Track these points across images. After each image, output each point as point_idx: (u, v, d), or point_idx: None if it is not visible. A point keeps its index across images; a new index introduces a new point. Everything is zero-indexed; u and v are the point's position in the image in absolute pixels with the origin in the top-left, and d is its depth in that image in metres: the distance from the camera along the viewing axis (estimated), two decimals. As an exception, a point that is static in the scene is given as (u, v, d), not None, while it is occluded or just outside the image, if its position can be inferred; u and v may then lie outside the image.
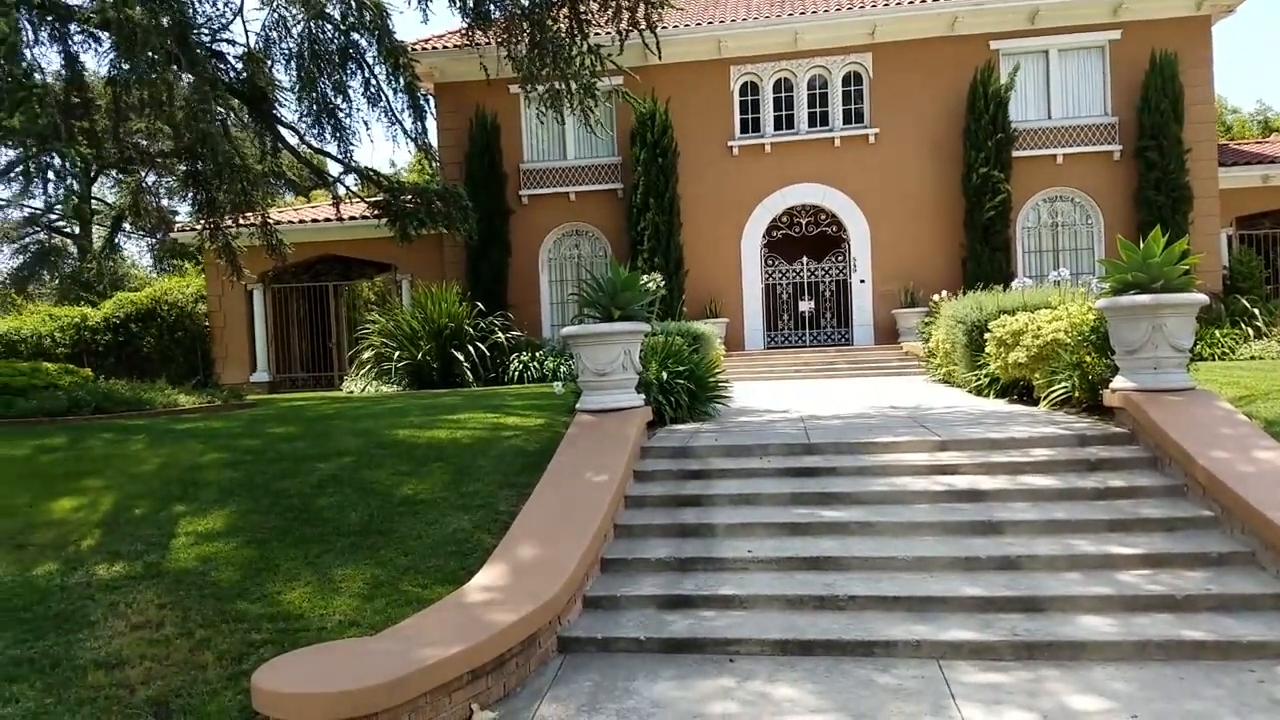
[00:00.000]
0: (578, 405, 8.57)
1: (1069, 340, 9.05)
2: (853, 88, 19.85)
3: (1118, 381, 7.92)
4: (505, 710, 4.63)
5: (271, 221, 15.80)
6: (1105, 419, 8.15)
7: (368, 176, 14.93)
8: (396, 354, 15.91)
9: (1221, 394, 7.94)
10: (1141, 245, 8.04)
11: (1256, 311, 16.53)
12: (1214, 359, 13.44)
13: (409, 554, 5.95)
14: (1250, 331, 15.43)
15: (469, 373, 15.70)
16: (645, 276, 9.82)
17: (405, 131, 14.15)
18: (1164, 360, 7.65)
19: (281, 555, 5.98)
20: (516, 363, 16.33)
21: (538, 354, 16.75)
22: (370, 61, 13.81)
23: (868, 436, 7.97)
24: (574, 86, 12.89)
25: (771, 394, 13.29)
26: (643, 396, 8.73)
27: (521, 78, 13.21)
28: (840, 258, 19.99)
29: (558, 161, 20.50)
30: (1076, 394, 8.75)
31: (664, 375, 9.33)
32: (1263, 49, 56.95)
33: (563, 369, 16.15)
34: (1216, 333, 14.71)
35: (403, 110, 13.74)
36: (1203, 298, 7.66)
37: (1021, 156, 18.92)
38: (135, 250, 41.04)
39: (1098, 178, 19.01)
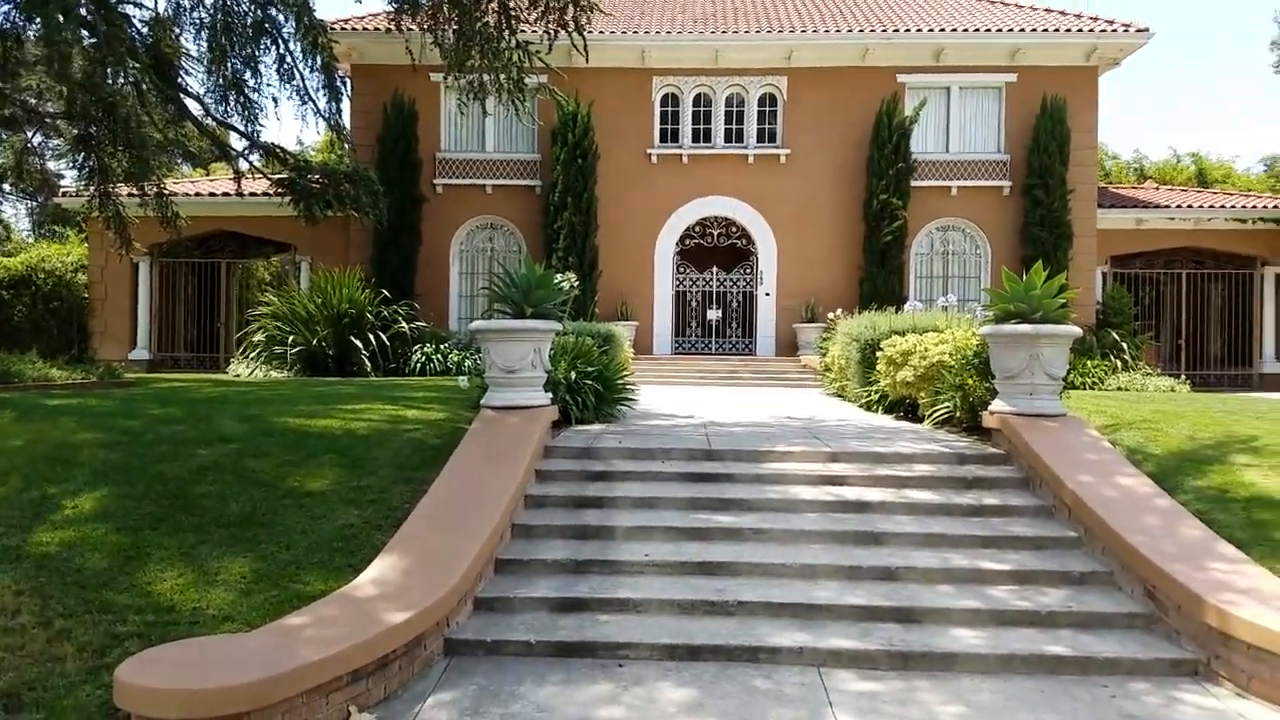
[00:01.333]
0: (483, 401, 8.41)
1: (953, 363, 9.32)
2: (768, 108, 20.16)
3: (996, 404, 8.21)
4: (385, 713, 4.45)
5: (167, 192, 15.00)
6: (983, 439, 8.44)
7: (274, 153, 14.29)
8: (290, 338, 15.30)
9: (1090, 421, 8.32)
10: (1024, 277, 8.36)
11: (1125, 345, 17.45)
12: (1085, 388, 14.08)
13: (293, 548, 5.67)
14: (1119, 364, 16.24)
15: (367, 362, 15.21)
16: (560, 275, 9.68)
17: (318, 111, 13.63)
18: (1039, 387, 7.96)
19: (155, 544, 5.63)
20: (419, 355, 15.98)
21: (442, 346, 16.42)
22: (286, 37, 13.25)
23: (765, 445, 8.08)
24: (503, 79, 12.69)
25: (677, 399, 13.38)
26: (550, 395, 8.64)
27: (447, 65, 12.91)
28: (748, 270, 20.26)
29: (476, 153, 20.19)
30: (958, 414, 9.03)
31: (573, 375, 9.26)
32: (1141, 101, 60.60)
33: (468, 363, 15.85)
34: (1088, 363, 15.42)
35: (318, 89, 13.25)
36: (1078, 330, 8.02)
37: (919, 186, 19.54)
38: (12, 213, 38.30)
39: (988, 211, 19.79)
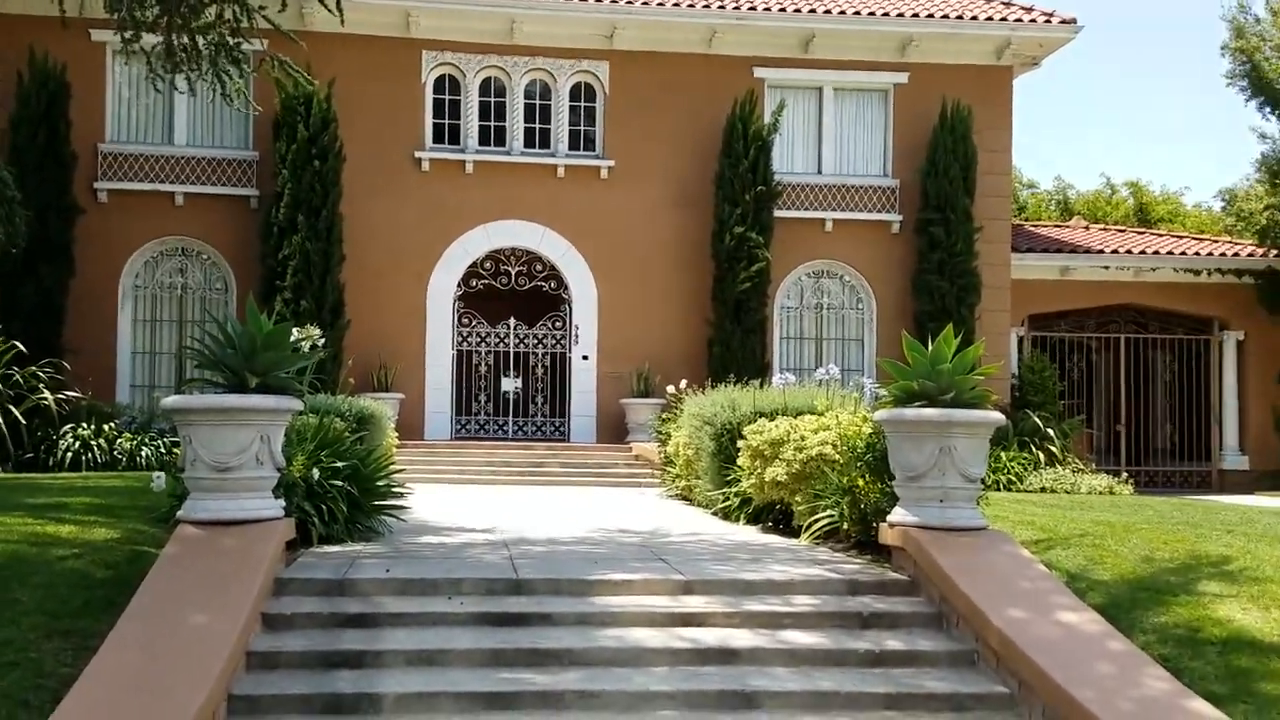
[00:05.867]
0: (181, 512, 8.09)
1: (838, 457, 9.77)
2: (583, 104, 20.88)
3: (897, 514, 8.63)
4: None
5: None
6: (880, 560, 8.87)
7: None
8: None
9: (1016, 536, 8.94)
10: (929, 344, 8.94)
11: (1050, 432, 18.73)
12: (999, 487, 15.12)
13: (-112, 740, 5.25)
14: (1041, 456, 17.48)
15: None
16: (298, 331, 9.54)
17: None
18: (953, 491, 8.46)
19: None
20: (71, 439, 15.66)
21: (107, 427, 16.10)
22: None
23: (594, 572, 8.17)
24: (201, 44, 12.43)
25: (464, 504, 13.39)
26: (282, 503, 8.42)
27: (118, 21, 12.55)
28: (559, 324, 20.65)
29: (159, 146, 19.82)
30: (846, 526, 9.45)
31: (315, 473, 9.09)
32: (1065, 116, 66.30)
33: (147, 450, 15.40)
34: (1003, 455, 16.54)
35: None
36: (1000, 417, 8.64)
37: (785, 217, 20.62)
38: None
39: (873, 253, 21.14)
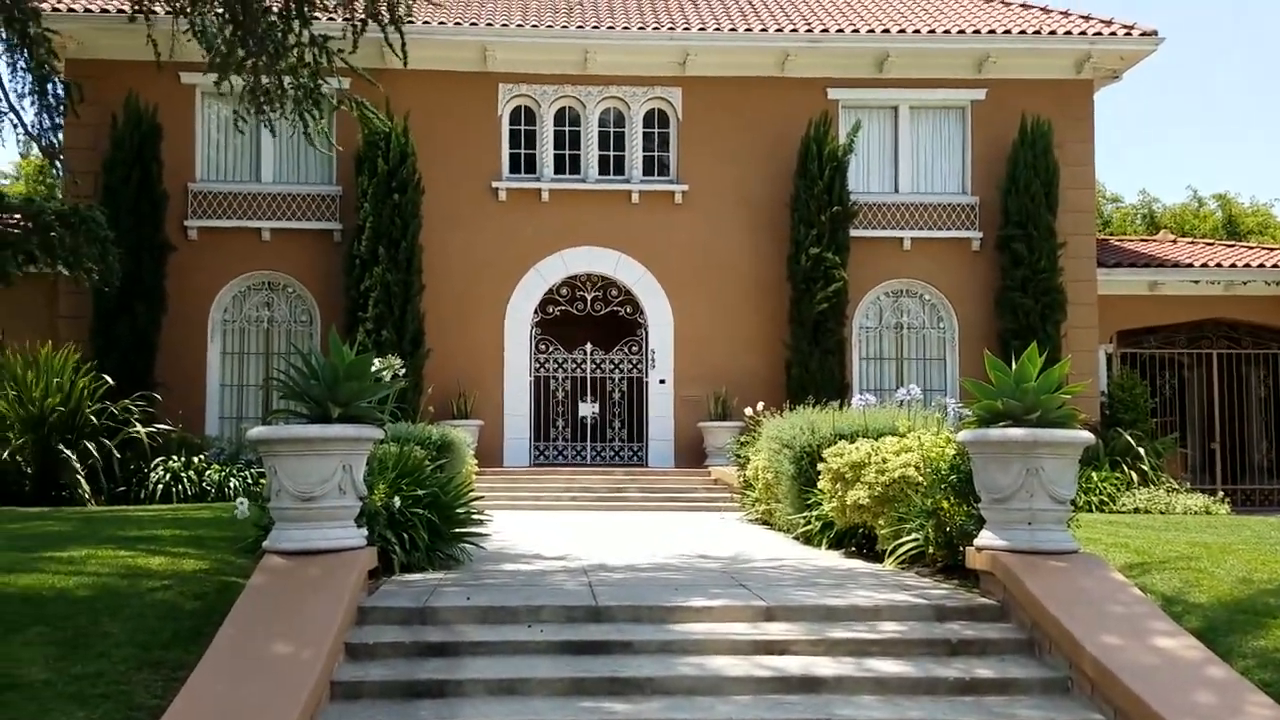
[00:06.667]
0: (267, 542, 8.19)
1: (922, 479, 9.62)
2: (657, 130, 20.88)
3: (984, 537, 8.46)
4: None
5: None
6: (968, 584, 8.70)
7: (-48, 184, 13.99)
8: (-32, 450, 15.03)
9: (1109, 559, 8.70)
10: (1014, 363, 8.76)
11: (1142, 451, 18.15)
12: (1090, 509, 14.77)
13: (-16, 773, 5.32)
14: (1134, 476, 17.01)
15: (85, 484, 15.03)
16: (380, 361, 9.62)
17: (22, 124, 13.43)
18: (1041, 514, 8.27)
19: None
20: (162, 471, 15.85)
21: (197, 460, 16.25)
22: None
23: (674, 599, 8.09)
24: (287, 84, 12.69)
25: (542, 530, 13.41)
26: (364, 532, 8.47)
27: (213, 63, 12.85)
28: (635, 348, 20.63)
29: (247, 184, 20.12)
30: (931, 550, 9.28)
31: (396, 502, 9.14)
32: (1150, 129, 65.12)
33: (235, 482, 15.60)
34: (1094, 475, 16.15)
35: (24, 95, 13.05)
36: (1089, 436, 8.42)
37: (862, 237, 20.36)
38: None
39: (953, 271, 20.79)
